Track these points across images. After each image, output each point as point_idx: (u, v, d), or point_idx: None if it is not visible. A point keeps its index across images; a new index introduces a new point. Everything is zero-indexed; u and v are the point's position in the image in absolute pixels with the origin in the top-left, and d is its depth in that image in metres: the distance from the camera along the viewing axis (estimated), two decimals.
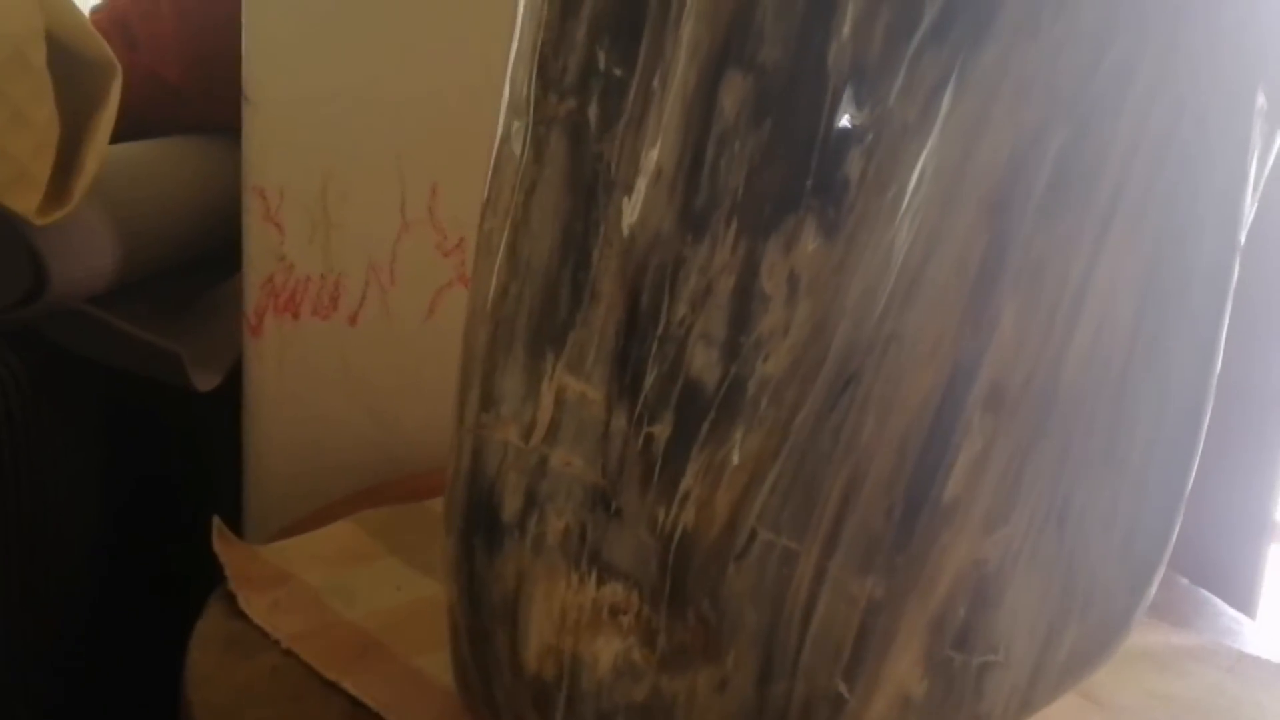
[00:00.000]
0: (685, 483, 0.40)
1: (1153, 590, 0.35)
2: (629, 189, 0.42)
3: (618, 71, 0.42)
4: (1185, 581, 0.62)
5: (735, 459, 0.38)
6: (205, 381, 0.75)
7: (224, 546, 0.57)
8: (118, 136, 0.88)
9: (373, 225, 0.78)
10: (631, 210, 0.42)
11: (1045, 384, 0.33)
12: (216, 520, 0.59)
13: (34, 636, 0.69)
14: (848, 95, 0.38)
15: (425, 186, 0.79)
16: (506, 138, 0.45)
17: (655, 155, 0.42)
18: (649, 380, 0.41)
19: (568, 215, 0.43)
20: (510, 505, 0.42)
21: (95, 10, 1.02)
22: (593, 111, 0.43)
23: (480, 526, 0.42)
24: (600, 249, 0.43)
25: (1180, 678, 0.52)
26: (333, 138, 0.76)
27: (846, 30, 0.38)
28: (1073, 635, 0.35)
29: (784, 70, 0.40)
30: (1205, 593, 0.63)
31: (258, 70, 0.75)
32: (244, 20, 0.75)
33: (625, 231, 0.42)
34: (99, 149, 0.68)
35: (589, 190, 0.43)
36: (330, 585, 0.56)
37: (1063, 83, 0.31)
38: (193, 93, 1.00)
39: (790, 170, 0.40)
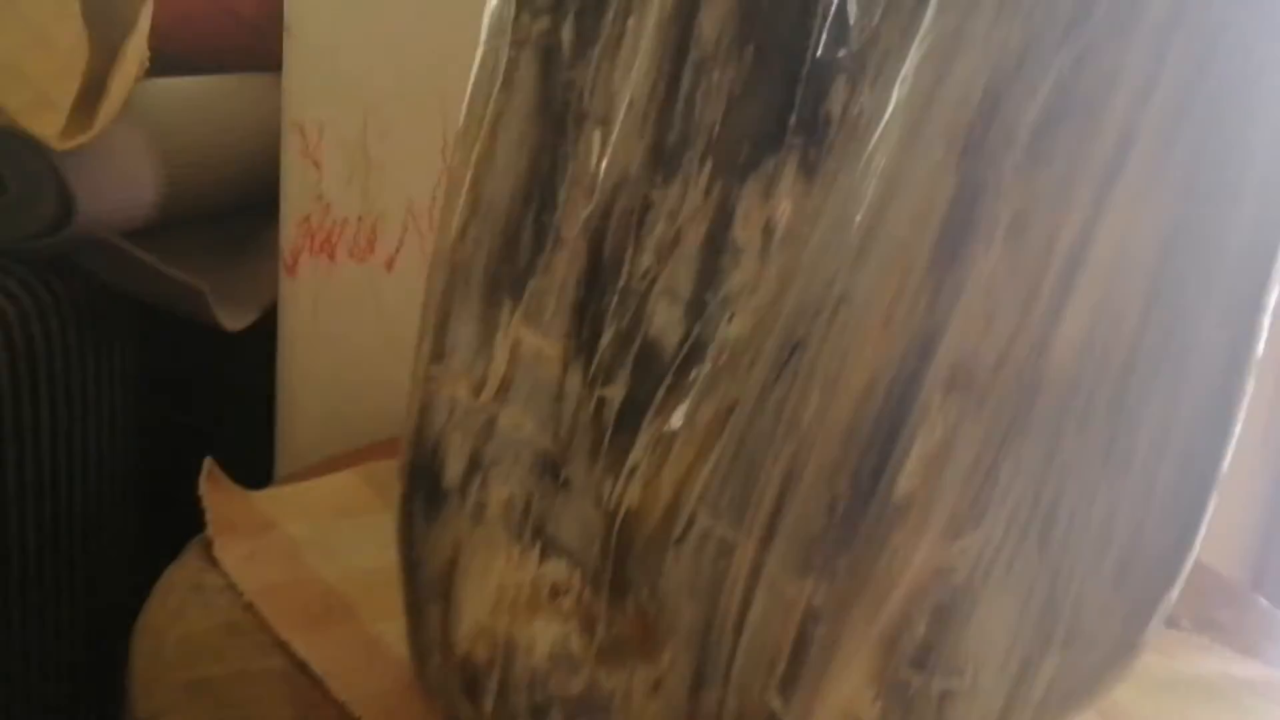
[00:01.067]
0: (634, 455, 0.35)
1: (1154, 623, 0.30)
2: (600, 122, 0.38)
3: None
4: (1264, 602, 0.55)
5: (685, 432, 0.33)
6: (235, 320, 0.73)
7: (211, 490, 0.55)
8: (194, 74, 0.87)
9: (413, 167, 0.74)
10: (600, 146, 0.37)
11: (1026, 367, 0.27)
12: (208, 462, 0.57)
13: (56, 554, 0.69)
14: (835, 14, 0.33)
15: None
16: (483, 62, 0.41)
17: (628, 84, 0.37)
18: (606, 338, 0.37)
19: (534, 150, 0.39)
20: (452, 468, 0.38)
21: None
22: (566, 33, 0.38)
23: (420, 490, 0.39)
24: (567, 189, 0.38)
25: (1235, 713, 0.45)
26: (375, 74, 0.73)
27: None
28: (1052, 667, 0.29)
29: None
30: None
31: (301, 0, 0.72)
32: None
33: (592, 170, 0.38)
34: (126, 76, 0.66)
35: (558, 122, 0.38)
36: (313, 538, 0.53)
37: None
38: (269, 27, 0.98)
39: (773, 103, 0.34)
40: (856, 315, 0.27)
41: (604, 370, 0.36)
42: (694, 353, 0.35)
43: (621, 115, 0.37)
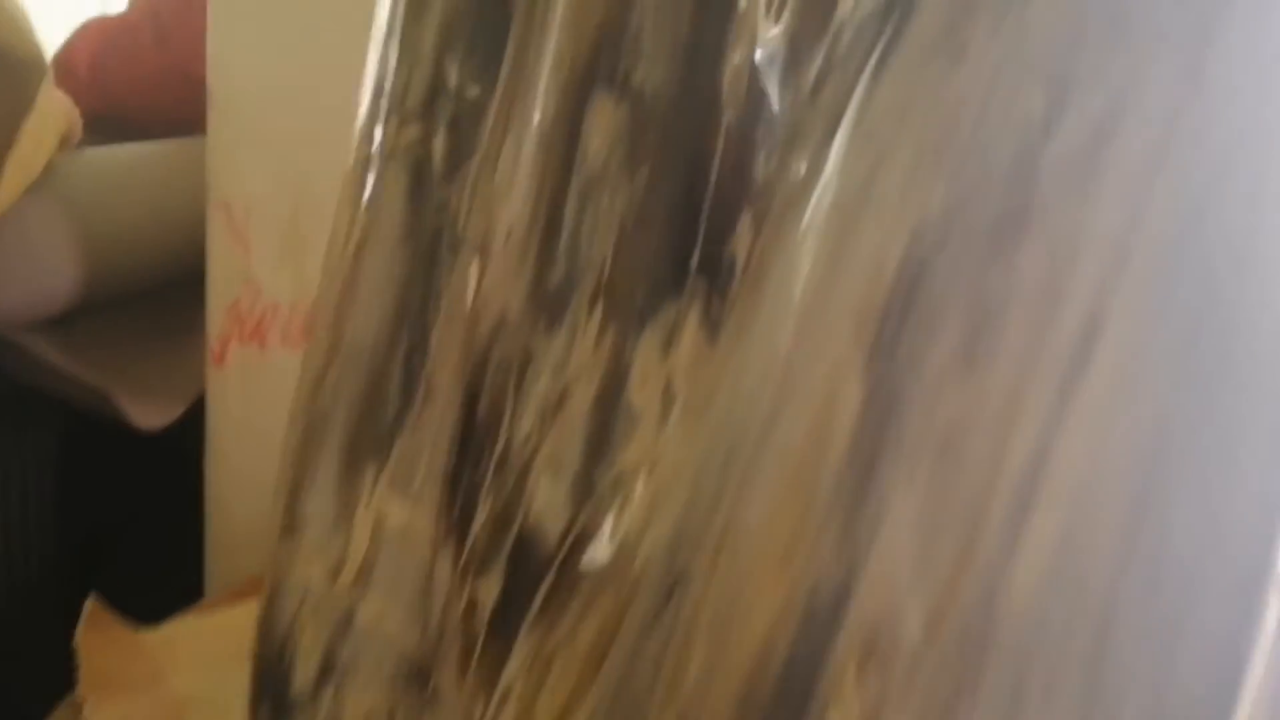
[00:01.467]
0: (509, 672, 0.28)
1: None
2: (477, 251, 0.31)
3: (473, 91, 0.31)
4: None
5: (564, 654, 0.27)
6: (152, 418, 0.67)
7: (90, 637, 0.49)
8: (147, 139, 0.82)
9: None
10: (477, 280, 0.31)
11: (969, 626, 0.20)
12: (91, 601, 0.50)
13: None
14: (739, 131, 0.26)
15: None
16: (350, 175, 0.35)
17: (506, 208, 0.30)
18: (480, 519, 0.30)
19: (403, 282, 0.32)
20: (303, 671, 0.32)
21: (131, 2, 0.96)
22: (439, 144, 0.32)
23: (266, 694, 0.32)
24: (440, 330, 0.32)
25: None
26: (307, 147, 0.67)
27: (747, 34, 0.26)
28: None
29: (667, 95, 0.28)
30: None
31: (225, 63, 0.66)
32: (210, 7, 0.66)
33: (469, 309, 0.31)
34: (22, 160, 0.60)
35: (430, 250, 0.32)
36: (203, 693, 0.47)
37: (1001, 135, 0.19)
38: None
39: (672, 237, 0.28)
40: (746, 551, 0.21)
41: (477, 559, 0.30)
42: (580, 546, 0.28)
43: (500, 245, 0.30)
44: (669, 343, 0.28)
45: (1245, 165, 0.20)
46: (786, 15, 0.26)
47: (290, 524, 0.33)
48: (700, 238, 0.27)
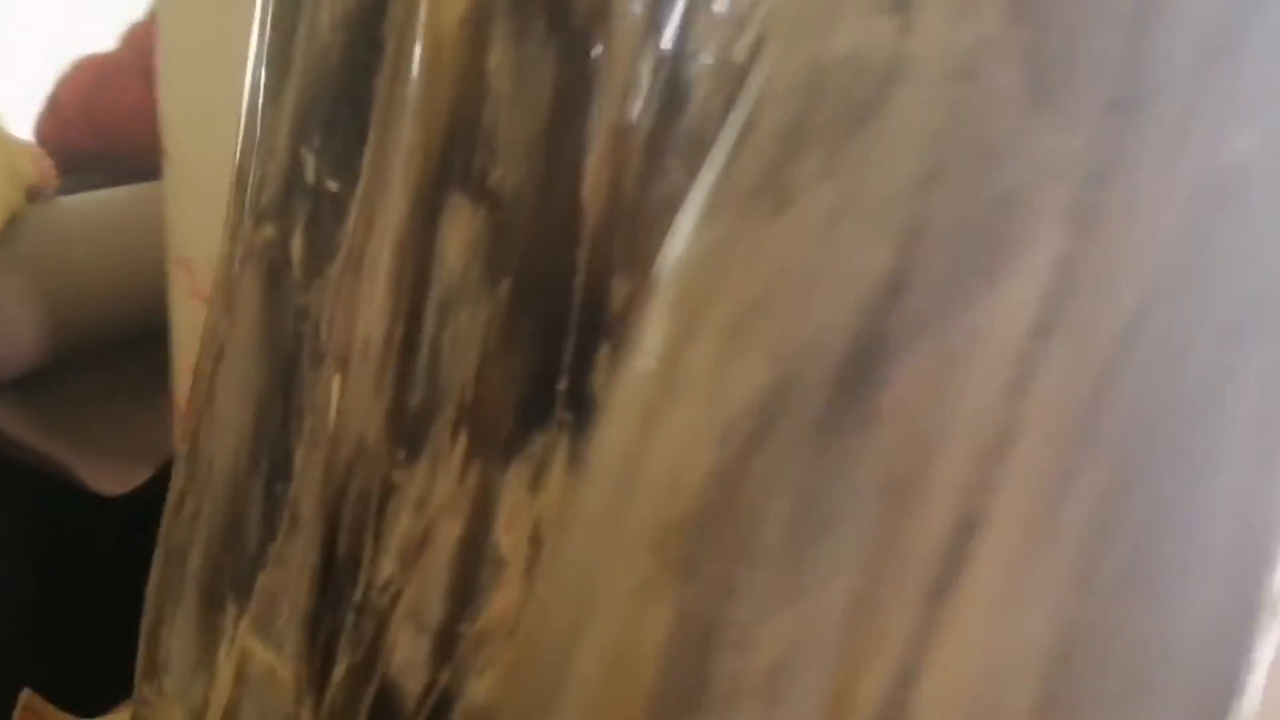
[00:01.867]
0: None
1: None
2: (340, 364, 0.28)
3: (332, 185, 0.28)
4: None
5: None
6: (115, 483, 0.64)
7: None
8: (127, 178, 0.80)
9: None
10: (337, 398, 0.28)
11: None
12: (26, 693, 0.48)
13: None
14: (605, 241, 0.23)
15: None
16: (216, 272, 0.31)
17: (363, 318, 0.27)
18: (339, 670, 0.27)
19: (261, 397, 0.29)
20: None
21: (120, 39, 0.94)
22: (297, 246, 0.28)
23: None
24: (303, 452, 0.28)
25: None
26: None
27: (608, 128, 0.23)
28: None
29: (526, 198, 0.24)
30: None
31: (178, 117, 0.64)
32: (160, 61, 0.63)
33: (331, 430, 0.28)
34: None
35: (289, 362, 0.29)
36: None
37: (836, 298, 0.15)
38: None
39: (538, 361, 0.24)
40: None
41: (336, 717, 0.26)
42: (440, 713, 0.25)
43: (357, 360, 0.27)
44: (537, 480, 0.24)
45: (1155, 318, 0.16)
46: (648, 110, 0.22)
47: (150, 666, 0.30)
48: (566, 363, 0.24)
